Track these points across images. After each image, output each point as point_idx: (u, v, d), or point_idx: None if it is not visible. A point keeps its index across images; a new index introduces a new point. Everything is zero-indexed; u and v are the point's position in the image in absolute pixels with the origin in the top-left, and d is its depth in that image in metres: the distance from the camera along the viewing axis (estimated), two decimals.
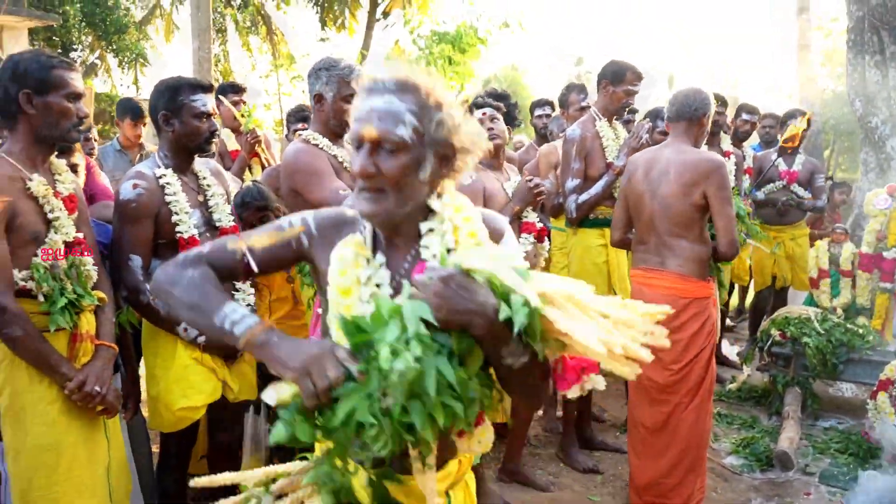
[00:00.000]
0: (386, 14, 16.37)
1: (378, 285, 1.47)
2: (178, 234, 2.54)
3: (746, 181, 5.65)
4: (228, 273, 1.55)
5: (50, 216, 2.28)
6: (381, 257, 1.50)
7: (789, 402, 4.45)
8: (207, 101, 2.62)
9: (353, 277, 1.47)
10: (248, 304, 2.75)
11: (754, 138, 6.17)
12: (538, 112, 5.46)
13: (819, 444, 4.26)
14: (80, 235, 2.37)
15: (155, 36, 15.97)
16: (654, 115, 4.53)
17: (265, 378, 3.16)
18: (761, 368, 4.92)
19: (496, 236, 1.55)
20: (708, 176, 3.20)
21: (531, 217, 3.40)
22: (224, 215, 2.71)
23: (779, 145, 5.74)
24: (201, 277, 1.46)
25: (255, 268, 1.54)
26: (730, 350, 6.17)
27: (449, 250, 1.45)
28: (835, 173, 15.27)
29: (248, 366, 2.86)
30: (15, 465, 2.24)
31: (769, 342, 4.70)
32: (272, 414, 3.24)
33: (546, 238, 3.50)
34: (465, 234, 1.48)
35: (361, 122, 1.42)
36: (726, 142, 5.32)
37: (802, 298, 5.84)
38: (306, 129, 3.05)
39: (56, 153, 2.41)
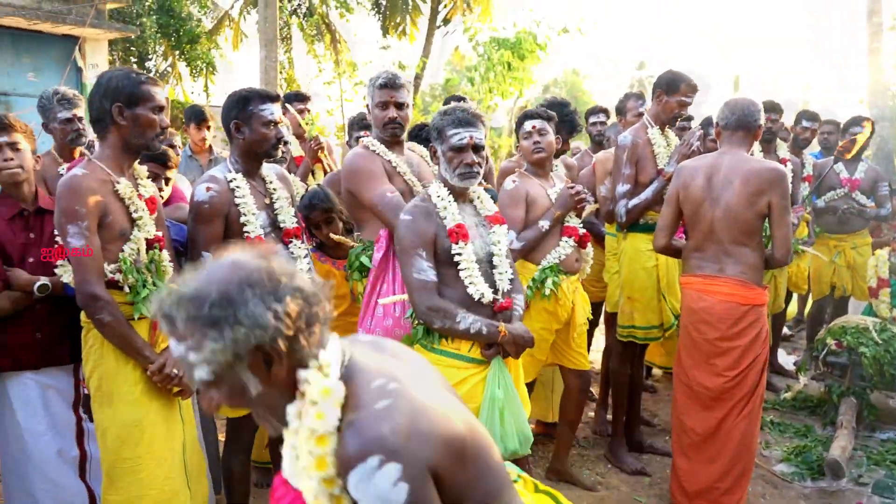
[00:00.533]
0: (446, 21, 16.59)
1: None
2: (246, 234, 2.75)
3: (805, 189, 5.59)
4: None
5: (134, 216, 2.53)
6: None
7: (844, 412, 4.40)
8: (275, 111, 2.81)
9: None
10: None
11: (814, 146, 6.09)
12: (593, 119, 5.53)
13: (874, 455, 4.20)
14: (160, 234, 2.61)
15: (223, 44, 16.57)
16: (707, 123, 4.55)
17: None
18: (816, 378, 4.87)
19: None
20: (773, 185, 3.24)
21: (573, 222, 3.52)
22: (288, 217, 2.91)
23: (836, 151, 5.65)
24: None
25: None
26: (786, 360, 6.10)
27: None
28: None
29: None
30: (104, 440, 2.50)
31: (825, 351, 4.66)
32: None
33: (588, 244, 3.60)
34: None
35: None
36: (783, 149, 5.28)
37: (863, 308, 5.73)
38: (368, 136, 3.25)
39: (145, 164, 2.67)
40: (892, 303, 5.14)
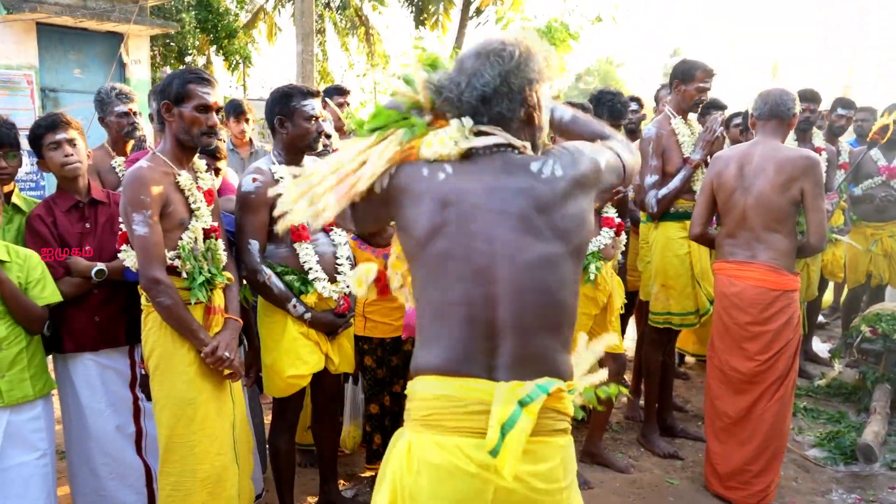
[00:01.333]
0: (479, 11, 16.60)
1: None
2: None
3: (841, 176, 5.57)
4: None
5: (193, 206, 2.69)
6: None
7: (878, 399, 4.41)
8: (316, 106, 2.96)
9: None
10: (349, 286, 3.07)
11: (850, 133, 6.04)
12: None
13: None
14: (216, 224, 2.77)
15: (258, 37, 16.82)
16: (737, 114, 4.57)
17: (362, 353, 3.50)
18: (851, 365, 4.88)
19: None
20: (806, 172, 3.30)
21: (610, 212, 3.60)
22: None
23: (869, 138, 5.61)
24: None
25: None
26: (821, 347, 6.09)
27: None
28: None
29: (348, 341, 3.19)
30: (161, 415, 2.66)
31: (859, 338, 4.67)
32: (367, 384, 3.58)
33: (624, 232, 3.69)
34: None
35: None
36: (818, 137, 5.27)
37: None
38: None
39: (199, 155, 2.81)
40: None
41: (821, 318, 6.66)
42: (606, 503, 3.55)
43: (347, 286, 3.06)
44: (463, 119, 1.59)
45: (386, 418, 3.62)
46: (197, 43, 12.88)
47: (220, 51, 12.39)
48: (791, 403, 3.54)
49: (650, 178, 4.01)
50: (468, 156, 1.60)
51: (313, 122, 2.94)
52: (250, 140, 5.11)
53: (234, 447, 2.76)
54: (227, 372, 2.70)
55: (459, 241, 1.54)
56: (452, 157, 1.59)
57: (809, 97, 4.98)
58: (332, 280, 3.00)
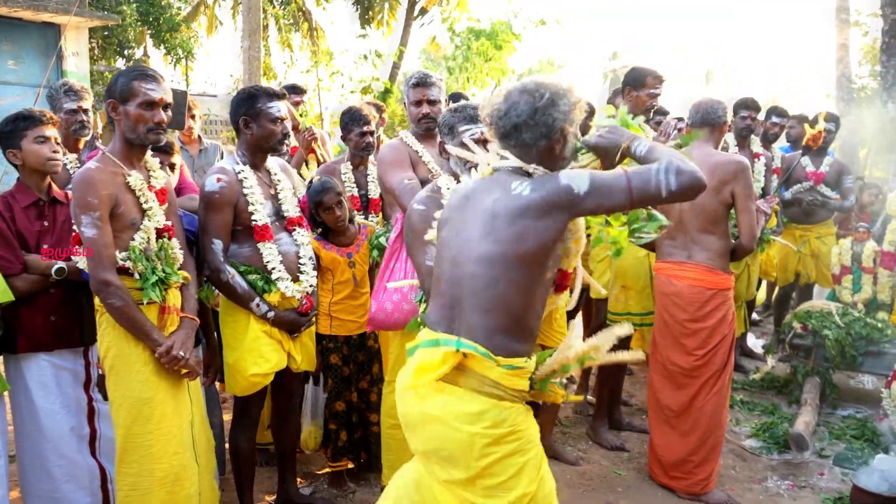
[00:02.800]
0: (424, 11, 16.66)
1: None
2: (254, 222, 2.93)
3: (775, 181, 5.86)
4: None
5: (144, 206, 2.68)
6: None
7: (808, 391, 4.68)
8: (282, 108, 2.99)
9: None
10: (311, 286, 3.11)
11: (783, 140, 6.36)
12: None
13: (835, 430, 4.50)
14: (169, 223, 2.76)
15: (197, 30, 16.48)
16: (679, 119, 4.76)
17: (327, 352, 3.54)
18: (783, 359, 5.16)
19: None
20: (736, 176, 3.50)
21: None
22: (292, 207, 3.10)
23: (802, 145, 5.92)
24: None
25: None
26: (755, 343, 6.40)
27: None
28: (871, 173, 15.20)
29: (310, 340, 3.22)
30: (117, 415, 2.65)
31: (791, 334, 4.94)
32: (332, 382, 3.62)
33: None
34: None
35: None
36: (756, 144, 5.53)
37: (827, 294, 6.04)
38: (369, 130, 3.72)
39: (152, 153, 2.80)
40: (854, 289, 5.45)
41: (755, 316, 6.99)
42: (558, 495, 3.65)
43: (310, 285, 3.10)
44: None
45: (353, 414, 3.67)
46: (142, 37, 12.57)
47: (162, 44, 12.10)
48: (728, 396, 3.75)
49: None
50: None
51: (279, 123, 2.97)
52: (199, 137, 5.05)
53: (193, 445, 2.76)
54: (183, 371, 2.70)
55: (449, 232, 2.11)
56: (485, 173, 2.12)
57: (751, 105, 5.25)
58: (295, 279, 3.04)
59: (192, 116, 4.96)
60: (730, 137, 5.26)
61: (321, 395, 3.67)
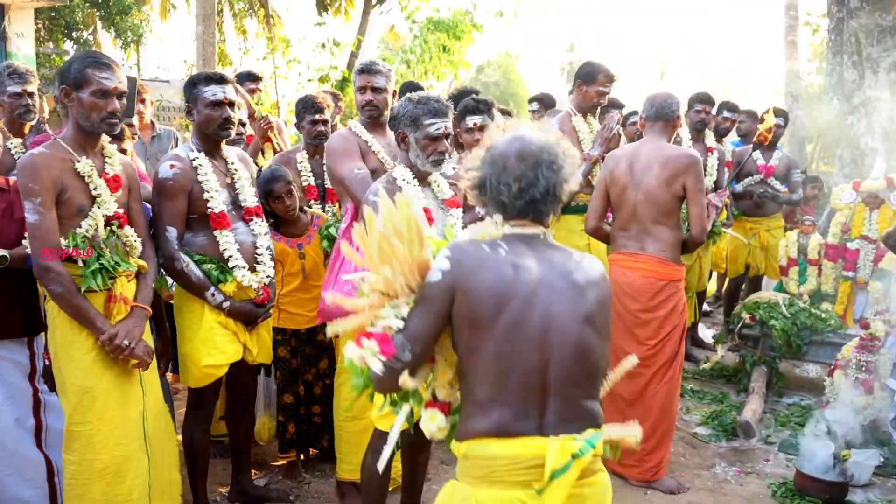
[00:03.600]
0: (382, 0, 16.51)
1: None
2: (210, 209, 2.89)
3: (727, 174, 5.98)
4: None
5: (94, 193, 2.61)
6: None
7: (755, 380, 4.82)
8: (218, 91, 2.92)
9: None
10: (269, 276, 3.07)
11: (734, 134, 6.50)
12: (530, 108, 5.76)
13: (781, 417, 4.64)
14: (121, 211, 2.69)
15: (151, 15, 16.06)
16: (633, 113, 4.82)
17: (275, 344, 3.50)
18: (732, 349, 5.30)
19: None
20: (688, 169, 3.57)
21: None
22: (249, 196, 3.06)
23: (754, 140, 6.07)
24: None
25: None
26: (706, 333, 6.54)
27: None
28: (817, 167, 15.66)
29: (267, 332, 3.19)
30: (63, 401, 2.63)
31: (740, 325, 5.06)
32: (280, 375, 3.59)
33: None
34: None
35: None
36: (710, 138, 5.64)
37: (774, 286, 6.20)
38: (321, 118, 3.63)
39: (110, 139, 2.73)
40: (800, 280, 5.61)
41: (705, 307, 7.15)
42: None
43: (267, 276, 3.06)
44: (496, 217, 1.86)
45: (301, 407, 3.65)
46: (91, 19, 12.19)
47: (112, 27, 11.75)
48: (679, 385, 3.83)
49: None
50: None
51: (217, 108, 2.91)
52: (152, 123, 4.94)
53: (145, 437, 2.71)
54: (132, 361, 2.65)
55: (520, 313, 1.72)
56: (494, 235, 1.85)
57: (706, 100, 5.35)
58: (252, 269, 3.00)
59: (143, 101, 4.83)
60: (684, 131, 5.36)
61: (273, 387, 3.64)
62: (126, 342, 2.58)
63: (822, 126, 15.55)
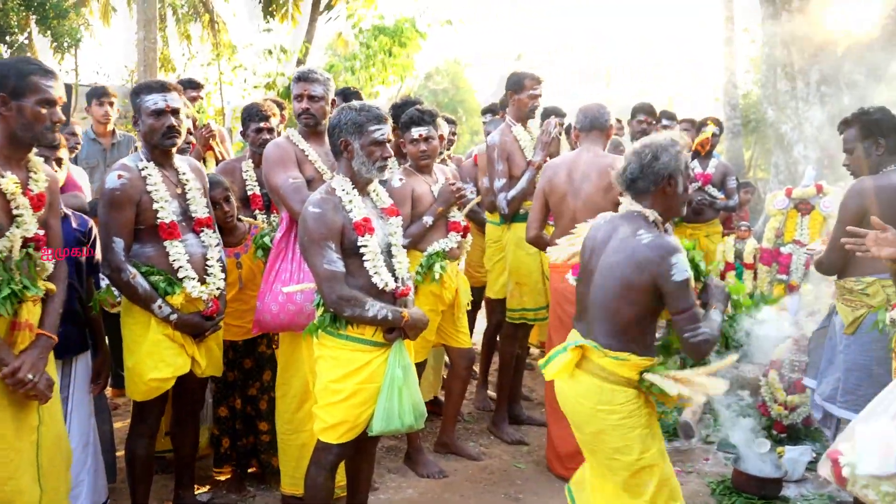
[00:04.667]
0: (330, 6, 16.45)
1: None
2: (160, 220, 2.86)
3: None
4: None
5: (14, 212, 2.37)
6: None
7: None
8: (160, 100, 2.88)
9: None
10: (219, 288, 3.04)
11: None
12: (483, 120, 5.83)
13: (720, 417, 4.77)
14: (41, 233, 2.46)
15: (91, 19, 15.67)
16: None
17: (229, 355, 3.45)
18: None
19: None
20: None
21: (457, 216, 3.80)
22: (200, 207, 3.03)
23: (692, 149, 6.25)
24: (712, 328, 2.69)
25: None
26: None
27: None
28: (755, 174, 16.17)
29: (216, 344, 3.15)
30: None
31: None
32: (215, 387, 3.56)
33: (469, 234, 3.92)
34: None
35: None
36: None
37: None
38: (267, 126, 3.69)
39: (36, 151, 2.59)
40: (740, 282, 5.79)
41: None
42: (460, 489, 3.75)
43: (218, 287, 3.03)
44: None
45: (237, 421, 3.60)
46: (27, 23, 11.81)
47: (48, 31, 11.40)
48: None
49: (498, 182, 4.27)
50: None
51: (159, 117, 2.88)
52: (113, 130, 4.82)
53: (38, 470, 2.44)
54: (31, 394, 2.37)
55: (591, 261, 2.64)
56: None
57: (648, 110, 5.52)
58: (202, 281, 2.96)
59: (111, 103, 4.73)
60: (627, 141, 5.49)
61: (209, 399, 3.60)
62: (30, 375, 2.34)
63: (760, 134, 16.08)
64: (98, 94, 4.74)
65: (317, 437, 2.80)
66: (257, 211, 3.80)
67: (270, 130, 3.79)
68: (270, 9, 16.35)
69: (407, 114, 3.74)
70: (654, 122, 5.72)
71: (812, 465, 3.99)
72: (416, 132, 3.68)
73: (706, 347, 2.51)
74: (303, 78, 3.35)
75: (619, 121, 6.44)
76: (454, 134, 4.77)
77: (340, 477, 3.09)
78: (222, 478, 3.70)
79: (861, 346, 3.20)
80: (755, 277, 5.70)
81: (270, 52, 14.63)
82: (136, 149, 4.41)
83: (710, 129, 5.73)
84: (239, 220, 3.56)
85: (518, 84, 4.31)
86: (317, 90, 3.33)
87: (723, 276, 5.90)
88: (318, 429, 2.79)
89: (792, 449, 3.97)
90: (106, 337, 3.20)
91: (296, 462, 3.25)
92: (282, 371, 3.34)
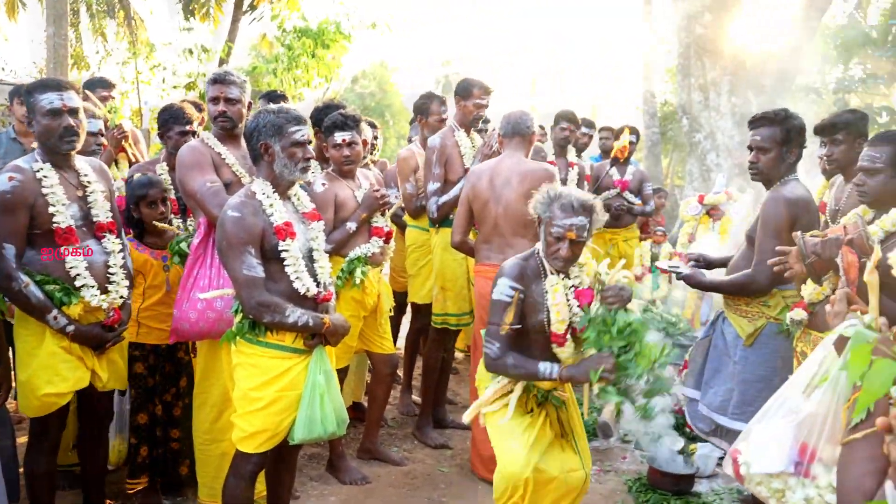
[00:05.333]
0: (253, 7, 16.15)
1: (567, 293, 2.80)
2: (56, 224, 2.71)
3: (587, 188, 6.31)
4: (513, 344, 2.77)
5: None
6: (563, 279, 2.83)
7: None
8: (55, 99, 2.74)
9: (560, 297, 2.77)
10: (122, 297, 2.93)
11: (594, 149, 6.87)
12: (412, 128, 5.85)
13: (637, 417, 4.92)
14: None
15: None
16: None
17: (132, 360, 3.34)
18: None
19: None
20: (544, 183, 3.72)
21: (380, 222, 3.79)
22: (102, 211, 2.90)
23: (612, 156, 6.44)
24: (516, 360, 2.75)
25: (519, 327, 2.77)
26: None
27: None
28: (672, 181, 16.76)
29: (119, 356, 3.03)
30: None
31: None
32: (134, 393, 3.44)
33: (392, 239, 3.92)
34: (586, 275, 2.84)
35: (565, 229, 2.73)
36: (572, 153, 5.93)
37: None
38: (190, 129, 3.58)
39: None
40: (653, 286, 5.99)
41: None
42: (383, 496, 3.73)
43: (121, 296, 2.91)
44: None
45: (157, 428, 3.49)
46: None
47: None
48: None
49: (432, 185, 4.29)
50: None
51: (54, 117, 2.74)
52: None
53: None
54: None
55: None
56: None
57: (570, 118, 5.64)
58: (104, 290, 2.84)
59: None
60: (549, 147, 5.61)
61: (126, 407, 3.47)
62: None
63: (676, 143, 16.67)
64: (20, 94, 4.51)
65: (235, 446, 2.74)
66: (173, 215, 3.69)
67: (194, 134, 3.69)
68: (191, 7, 15.92)
69: (330, 118, 3.70)
70: (576, 130, 5.87)
71: (722, 461, 4.16)
72: (339, 137, 3.64)
73: (488, 361, 2.81)
74: (219, 80, 3.27)
75: (542, 127, 6.57)
76: (376, 138, 4.75)
77: (261, 486, 3.03)
78: (137, 489, 3.57)
79: (760, 358, 3.21)
80: (670, 281, 5.90)
81: (191, 52, 14.24)
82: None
83: (626, 137, 5.92)
84: (169, 222, 3.47)
85: (467, 91, 4.34)
86: (233, 92, 3.26)
87: (640, 279, 6.09)
88: (236, 438, 2.73)
89: (703, 446, 4.12)
90: (10, 347, 3.05)
91: (214, 472, 3.17)
92: (200, 380, 3.25)
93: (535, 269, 2.84)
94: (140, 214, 3.36)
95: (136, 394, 3.43)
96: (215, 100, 3.27)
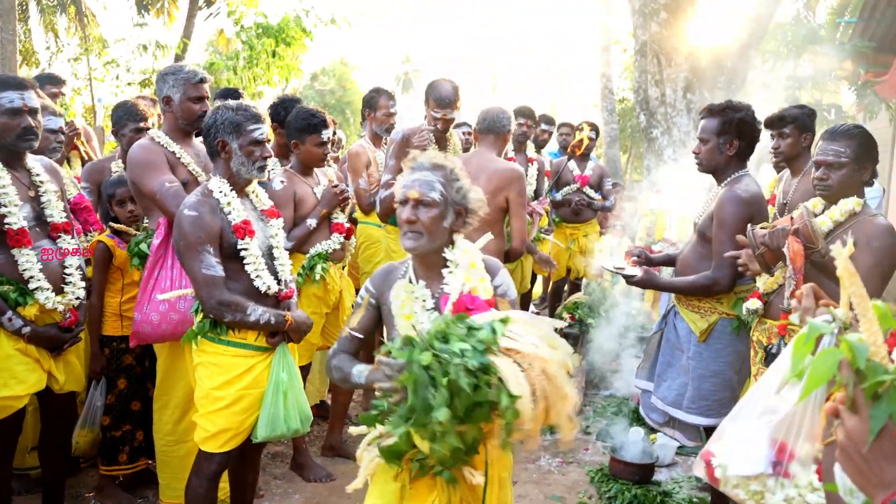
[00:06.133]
0: (210, 2, 15.91)
1: (425, 300, 2.21)
2: (7, 226, 2.64)
3: (547, 184, 6.37)
4: (355, 350, 2.32)
5: None
6: (422, 284, 2.24)
7: (575, 374, 5.15)
8: (16, 98, 2.69)
9: (410, 305, 2.20)
10: (78, 298, 2.87)
11: (553, 145, 6.94)
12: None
13: (598, 409, 5.00)
14: None
15: None
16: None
17: (120, 353, 3.29)
18: None
19: (492, 273, 2.30)
20: (511, 183, 3.75)
21: (340, 218, 3.78)
22: (56, 211, 2.84)
23: (568, 151, 6.52)
24: (339, 361, 2.26)
25: (360, 336, 2.31)
26: None
27: None
28: (631, 176, 17.01)
29: (76, 358, 2.97)
30: None
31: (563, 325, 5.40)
32: (125, 384, 3.41)
33: (353, 235, 3.93)
34: (475, 277, 2.22)
35: (407, 188, 2.17)
36: (531, 149, 5.98)
37: None
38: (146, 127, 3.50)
39: None
40: (613, 281, 6.07)
41: (532, 308, 7.53)
42: (347, 493, 3.71)
43: (77, 297, 2.86)
44: None
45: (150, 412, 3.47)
46: None
47: None
48: None
49: (384, 177, 4.25)
50: None
51: (14, 116, 2.68)
52: None
53: None
54: None
55: None
56: None
57: (527, 114, 5.68)
58: (59, 291, 2.78)
59: None
60: (508, 144, 5.63)
61: (99, 402, 3.42)
62: None
63: (635, 138, 16.91)
64: None
65: (198, 446, 2.72)
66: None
67: (149, 130, 3.63)
68: (145, 2, 15.62)
69: (310, 117, 3.64)
70: (534, 126, 5.92)
71: (681, 450, 4.25)
72: (325, 135, 3.65)
73: (328, 372, 2.33)
74: (205, 80, 3.27)
75: None
76: (335, 133, 4.73)
77: (224, 485, 3.01)
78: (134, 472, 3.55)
79: (715, 353, 3.20)
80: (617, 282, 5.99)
81: (146, 48, 13.99)
82: None
83: (585, 132, 5.99)
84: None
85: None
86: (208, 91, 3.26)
87: (600, 275, 6.17)
88: (199, 438, 2.71)
89: (662, 436, 4.20)
90: None
91: (177, 472, 3.14)
92: (161, 380, 3.21)
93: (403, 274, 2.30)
94: (114, 212, 3.42)
95: (128, 383, 3.46)
96: (200, 99, 3.23)
